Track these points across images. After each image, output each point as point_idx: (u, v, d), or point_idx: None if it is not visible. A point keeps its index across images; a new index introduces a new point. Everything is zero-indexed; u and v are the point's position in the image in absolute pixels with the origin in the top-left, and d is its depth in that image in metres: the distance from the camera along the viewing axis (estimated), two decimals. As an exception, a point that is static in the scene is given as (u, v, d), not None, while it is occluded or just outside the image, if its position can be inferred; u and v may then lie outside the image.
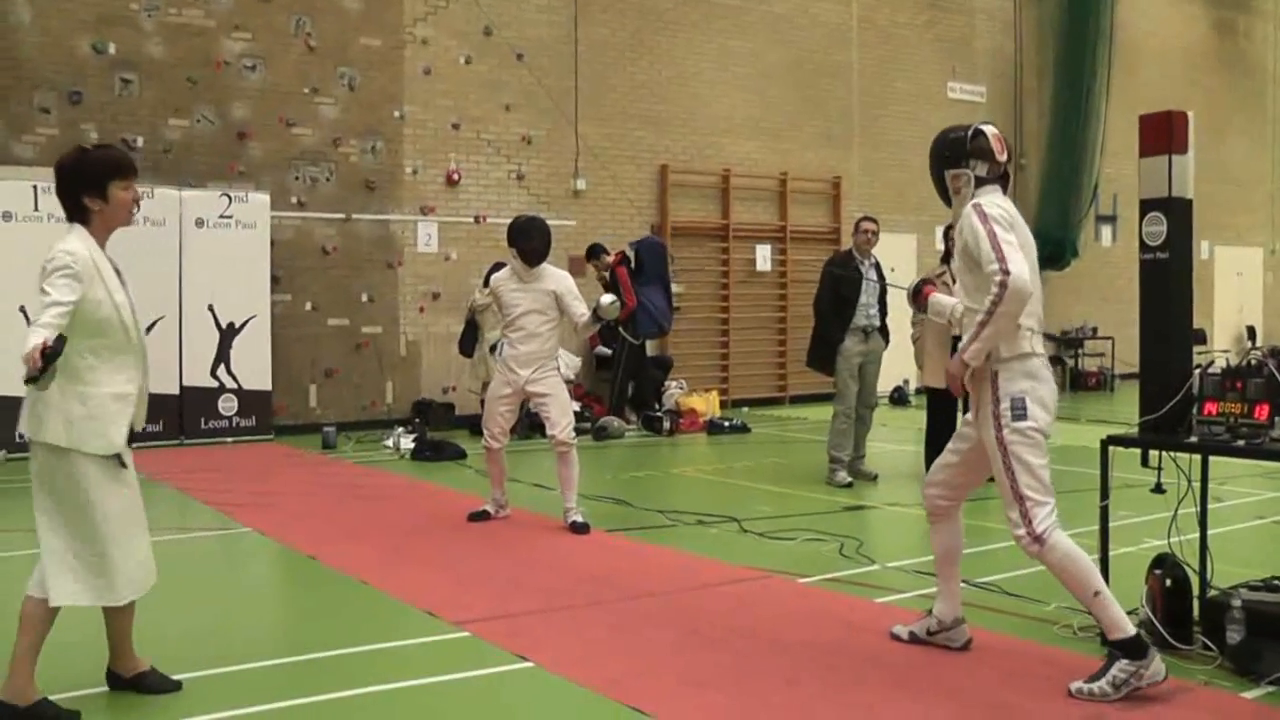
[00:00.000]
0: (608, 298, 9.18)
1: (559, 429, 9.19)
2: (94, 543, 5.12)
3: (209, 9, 15.04)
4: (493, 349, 9.42)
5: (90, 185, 5.18)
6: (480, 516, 9.56)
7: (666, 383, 17.10)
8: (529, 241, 9.15)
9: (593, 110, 17.77)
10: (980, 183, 5.77)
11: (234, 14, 15.17)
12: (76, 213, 5.22)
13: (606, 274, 16.02)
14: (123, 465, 5.28)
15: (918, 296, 6.34)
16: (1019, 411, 5.46)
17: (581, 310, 9.23)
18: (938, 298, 6.21)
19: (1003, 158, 5.80)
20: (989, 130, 5.88)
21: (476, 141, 16.83)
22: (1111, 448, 6.07)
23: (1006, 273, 5.26)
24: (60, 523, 5.10)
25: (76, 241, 5.12)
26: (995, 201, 5.62)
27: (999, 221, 5.45)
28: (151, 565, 5.46)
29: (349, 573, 7.77)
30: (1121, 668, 5.17)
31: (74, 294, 4.92)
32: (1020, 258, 5.35)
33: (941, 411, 11.13)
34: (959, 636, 5.96)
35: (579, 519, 9.13)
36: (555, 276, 9.29)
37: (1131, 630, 5.26)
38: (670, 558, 8.22)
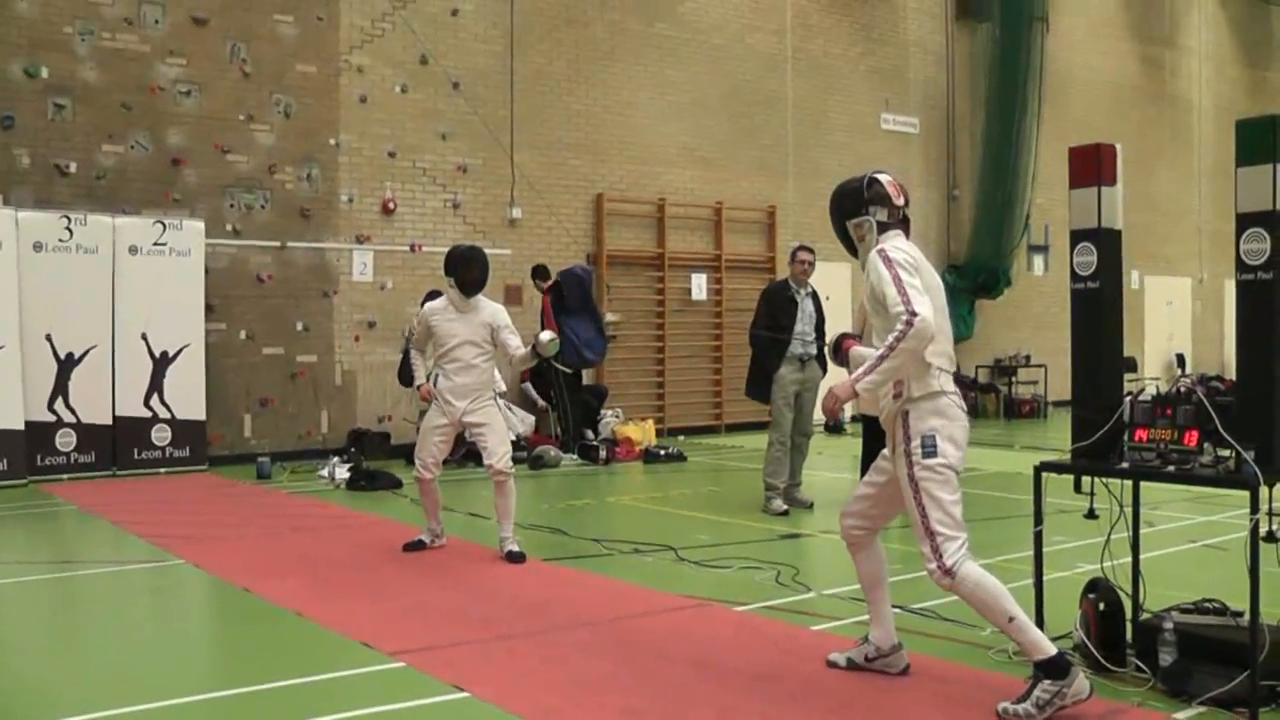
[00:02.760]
0: (546, 334, 9.28)
1: (496, 458, 9.13)
2: None
3: (144, 34, 14.93)
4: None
5: None
6: (416, 546, 9.48)
7: (603, 412, 17.10)
8: (469, 271, 9.11)
9: (529, 139, 17.79)
10: (883, 228, 5.88)
11: (169, 39, 15.07)
12: None
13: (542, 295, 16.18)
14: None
15: (838, 351, 6.52)
16: (929, 449, 5.50)
17: (517, 344, 9.23)
18: (858, 350, 6.35)
19: (899, 202, 5.92)
20: (884, 177, 5.99)
21: (412, 170, 16.80)
22: (1045, 474, 6.11)
23: (913, 314, 5.35)
24: None
25: None
26: (899, 245, 5.73)
27: (903, 266, 5.55)
28: None
29: (283, 604, 7.70)
30: (1045, 688, 5.25)
31: None
32: (926, 300, 5.44)
33: (877, 439, 11.20)
34: (897, 662, 6.01)
35: (515, 548, 9.09)
36: (491, 309, 9.29)
37: (1052, 651, 5.34)
38: (607, 587, 8.21)
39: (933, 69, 23.18)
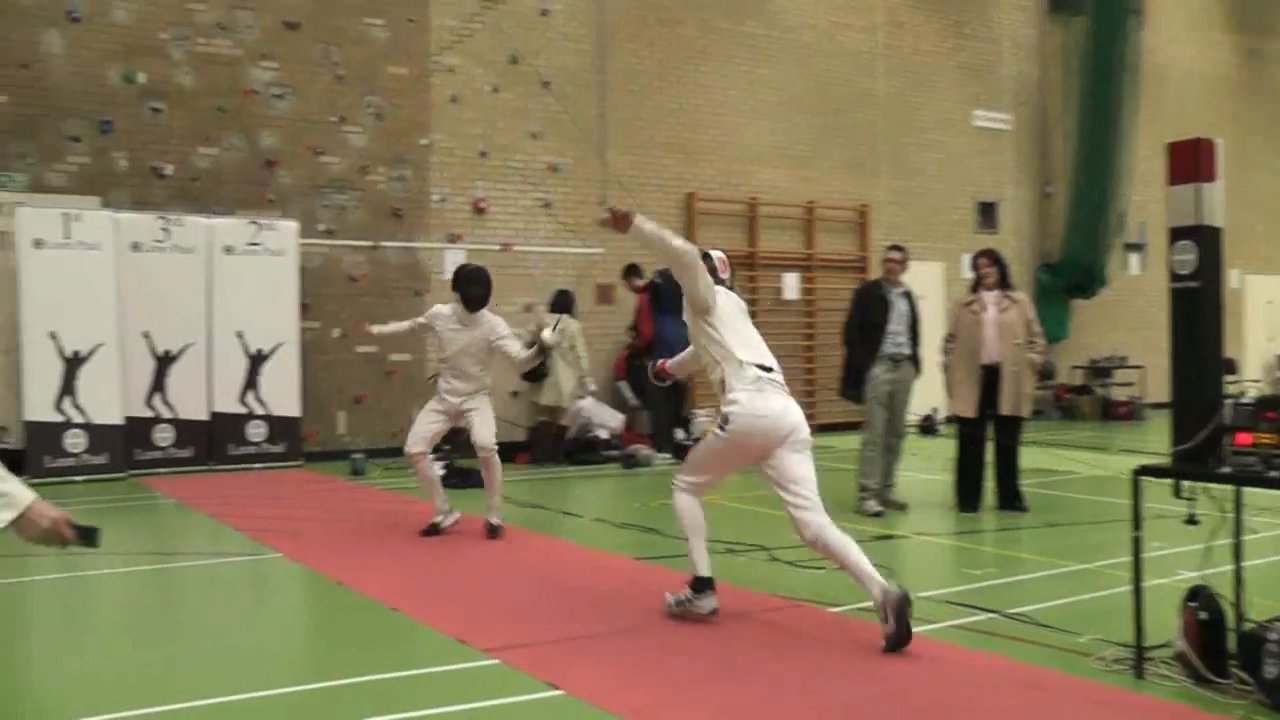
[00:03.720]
0: (549, 333, 10.14)
1: (482, 436, 10.02)
2: None
3: (237, 39, 15.15)
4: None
5: None
6: (432, 531, 10.16)
7: (695, 411, 17.05)
8: (472, 288, 9.97)
9: (620, 138, 17.82)
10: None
11: (262, 43, 15.28)
12: None
13: (635, 295, 16.22)
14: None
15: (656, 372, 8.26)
16: (723, 424, 6.89)
17: (517, 349, 10.03)
18: (674, 361, 8.13)
19: (725, 275, 7.49)
20: (715, 255, 7.50)
21: (504, 169, 16.89)
22: (1143, 478, 6.00)
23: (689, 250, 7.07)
24: None
25: None
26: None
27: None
28: None
29: (377, 598, 7.76)
30: (686, 595, 7.04)
31: None
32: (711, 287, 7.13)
33: (971, 441, 11.11)
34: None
35: (495, 521, 10.01)
36: (491, 323, 10.06)
37: (703, 574, 7.02)
38: (699, 586, 8.18)
39: (1025, 64, 22.91)
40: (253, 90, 15.23)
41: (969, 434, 11.12)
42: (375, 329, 10.93)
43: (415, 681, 6.00)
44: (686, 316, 7.23)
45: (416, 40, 16.31)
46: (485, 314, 10.03)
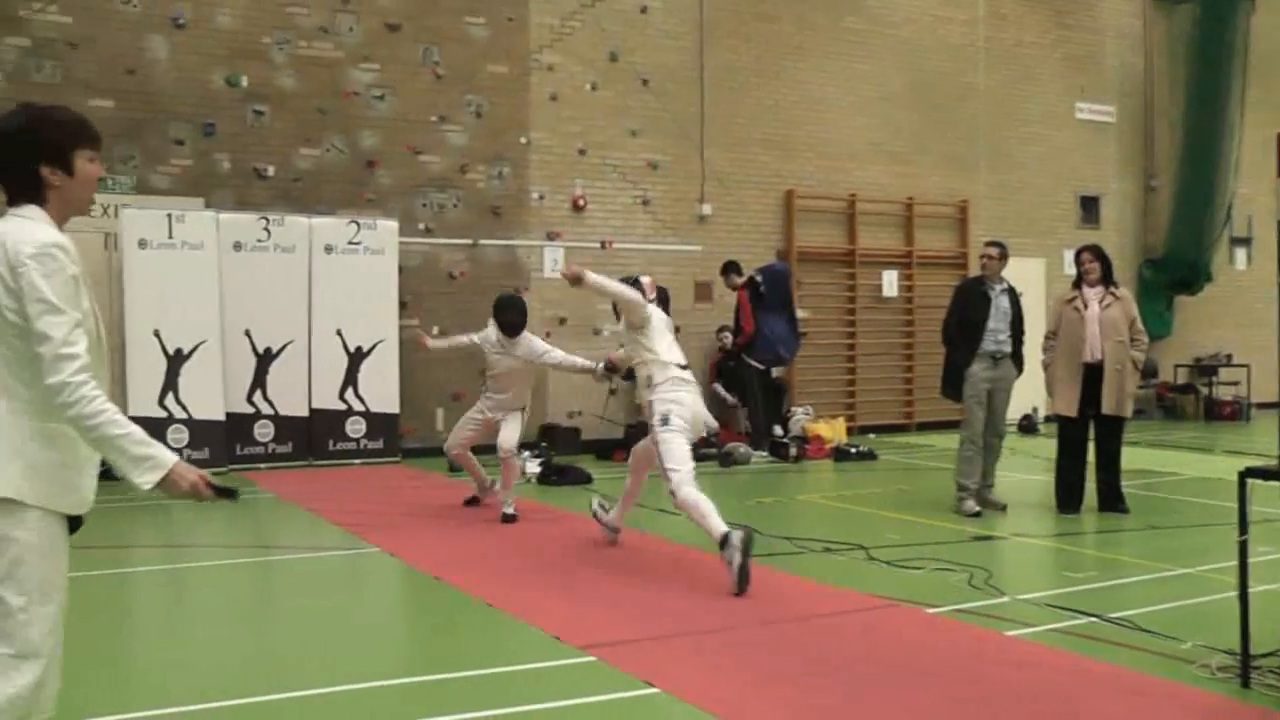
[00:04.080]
0: (620, 353, 10.36)
1: (504, 439, 10.85)
2: (29, 636, 3.66)
3: (338, 41, 15.32)
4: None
5: (51, 153, 3.78)
6: (472, 502, 11.62)
7: (793, 409, 17.00)
8: (507, 315, 10.93)
9: (718, 135, 17.78)
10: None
11: (363, 45, 15.44)
12: (27, 193, 3.78)
13: (734, 291, 16.20)
14: (71, 532, 3.86)
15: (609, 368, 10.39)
16: (664, 419, 8.52)
17: (559, 356, 11.18)
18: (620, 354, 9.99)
19: (651, 295, 9.07)
20: (644, 280, 9.15)
21: (602, 167, 16.93)
22: (1250, 480, 5.87)
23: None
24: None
25: (53, 230, 3.76)
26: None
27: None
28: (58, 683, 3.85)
29: (474, 594, 7.81)
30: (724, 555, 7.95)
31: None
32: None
33: (1072, 441, 10.95)
34: (611, 537, 9.59)
35: (510, 511, 10.79)
36: (527, 345, 11.00)
37: (722, 531, 7.97)
38: (797, 585, 8.16)
39: (1130, 54, 22.50)
40: (353, 91, 15.39)
41: (1070, 434, 10.96)
42: (432, 343, 11.76)
43: (510, 678, 6.03)
44: (623, 328, 9.08)
45: (516, 38, 16.38)
46: (525, 336, 11.00)
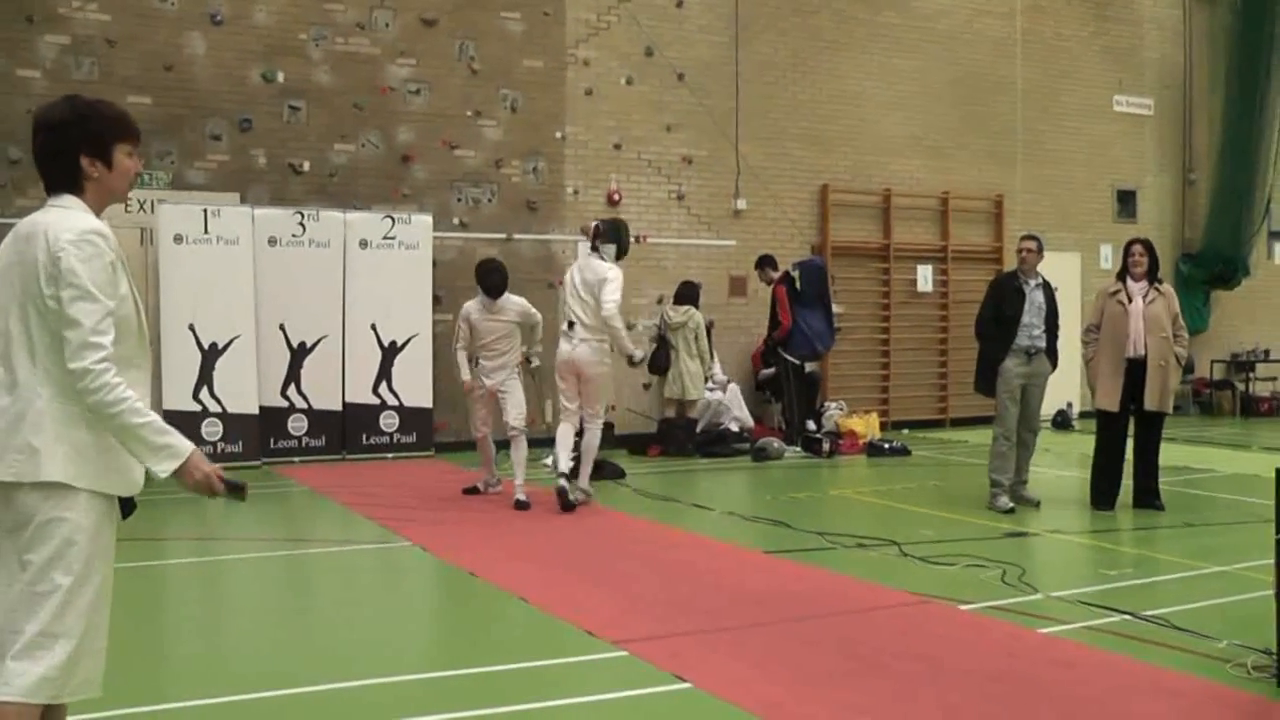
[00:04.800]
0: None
1: (511, 417, 11.28)
2: (56, 619, 3.71)
3: (375, 37, 15.36)
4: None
5: (92, 144, 3.90)
6: (472, 491, 11.93)
7: (827, 404, 16.96)
8: (488, 279, 11.31)
9: (753, 130, 17.75)
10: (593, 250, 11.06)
11: (399, 41, 15.47)
12: (66, 182, 3.91)
13: (769, 286, 16.18)
14: (123, 516, 3.99)
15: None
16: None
17: (536, 334, 11.66)
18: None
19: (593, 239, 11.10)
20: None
21: (637, 162, 16.92)
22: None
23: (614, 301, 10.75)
24: (37, 590, 3.73)
25: (91, 216, 3.89)
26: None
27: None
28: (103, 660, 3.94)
29: (507, 588, 7.83)
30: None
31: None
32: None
33: (1111, 436, 10.88)
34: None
35: (522, 497, 11.04)
36: (516, 305, 11.48)
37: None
38: (830, 580, 8.15)
39: (1169, 47, 22.31)
40: (390, 87, 15.43)
41: (1109, 429, 10.90)
42: (468, 378, 11.70)
43: (543, 673, 6.05)
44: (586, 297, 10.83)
45: (552, 33, 16.39)
46: (508, 297, 11.42)
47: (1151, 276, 10.82)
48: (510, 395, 11.35)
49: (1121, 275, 10.94)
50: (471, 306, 11.50)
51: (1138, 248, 10.93)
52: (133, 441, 3.75)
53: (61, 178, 3.89)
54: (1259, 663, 5.94)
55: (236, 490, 3.95)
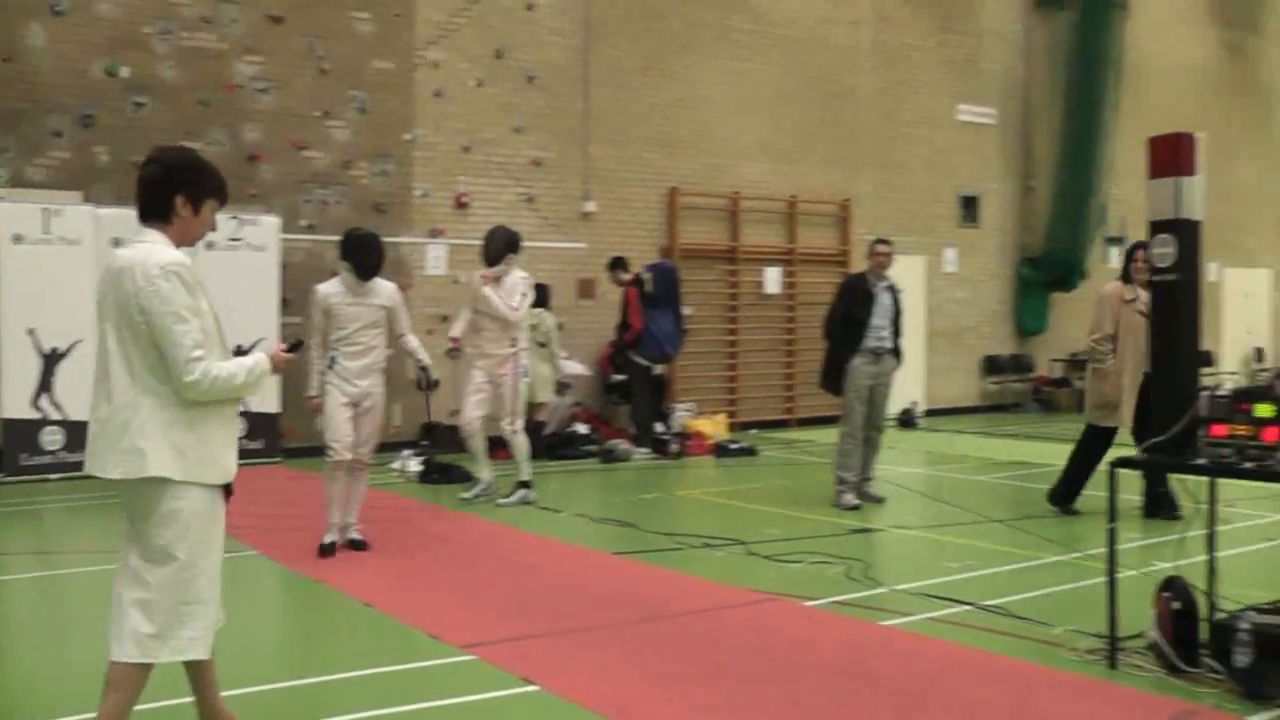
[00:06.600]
0: (427, 372, 10.05)
1: (365, 446, 9.33)
2: (189, 588, 4.63)
3: (222, 33, 15.08)
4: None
5: (192, 189, 4.66)
6: (328, 551, 9.10)
7: (674, 405, 17.06)
8: (367, 257, 9.32)
9: (603, 133, 17.79)
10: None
11: (247, 37, 15.22)
12: (159, 212, 4.67)
13: (621, 288, 16.20)
14: (226, 498, 4.85)
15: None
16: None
17: (407, 324, 9.61)
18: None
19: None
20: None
21: (487, 164, 16.85)
22: (1119, 470, 6.02)
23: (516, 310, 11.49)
24: (156, 569, 4.58)
25: (172, 249, 4.59)
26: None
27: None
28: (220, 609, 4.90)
29: (355, 595, 7.76)
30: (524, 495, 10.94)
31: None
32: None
33: (1102, 448, 10.52)
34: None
35: (358, 536, 9.33)
36: (387, 290, 9.44)
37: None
38: (677, 581, 8.21)
39: (1010, 58, 22.88)
40: (236, 84, 15.16)
41: (1101, 439, 10.57)
42: (315, 401, 9.44)
43: (389, 678, 6.01)
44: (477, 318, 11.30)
45: (402, 34, 16.25)
46: (378, 280, 9.39)
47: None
48: (372, 417, 9.31)
49: (1127, 279, 10.63)
50: (330, 288, 9.37)
51: (1144, 254, 9.42)
52: (247, 389, 4.68)
53: (155, 209, 4.67)
54: (1092, 646, 6.15)
55: (297, 348, 5.10)
